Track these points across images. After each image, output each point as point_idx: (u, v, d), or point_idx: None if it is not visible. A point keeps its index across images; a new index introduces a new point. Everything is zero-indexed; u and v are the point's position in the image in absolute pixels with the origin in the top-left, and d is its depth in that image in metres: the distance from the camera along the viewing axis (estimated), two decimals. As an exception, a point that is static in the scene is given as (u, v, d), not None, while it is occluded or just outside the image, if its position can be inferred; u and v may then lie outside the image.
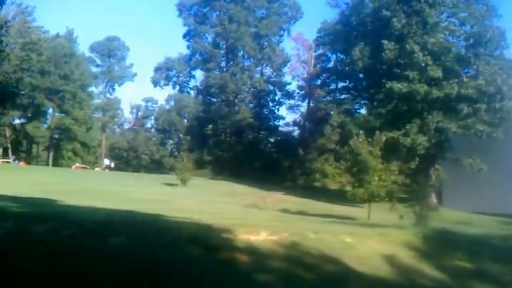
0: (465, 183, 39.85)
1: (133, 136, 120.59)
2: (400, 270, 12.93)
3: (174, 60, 75.74)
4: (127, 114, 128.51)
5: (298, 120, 72.22)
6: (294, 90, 71.99)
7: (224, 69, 69.37)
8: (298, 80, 71.37)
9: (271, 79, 71.76)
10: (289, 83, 72.80)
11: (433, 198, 40.92)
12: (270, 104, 71.76)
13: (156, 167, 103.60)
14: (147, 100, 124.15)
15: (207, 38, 71.29)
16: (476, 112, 36.92)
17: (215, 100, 71.08)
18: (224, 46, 69.09)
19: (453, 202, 40.26)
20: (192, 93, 75.64)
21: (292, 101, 72.00)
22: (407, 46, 36.31)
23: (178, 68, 74.01)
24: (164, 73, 75.97)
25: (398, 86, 36.34)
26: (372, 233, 15.48)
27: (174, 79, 74.77)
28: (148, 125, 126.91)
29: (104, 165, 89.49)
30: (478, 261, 14.21)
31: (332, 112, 57.41)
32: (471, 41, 38.15)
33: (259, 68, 73.83)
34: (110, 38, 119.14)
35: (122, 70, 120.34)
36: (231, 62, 69.37)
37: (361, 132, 27.33)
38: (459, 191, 40.55)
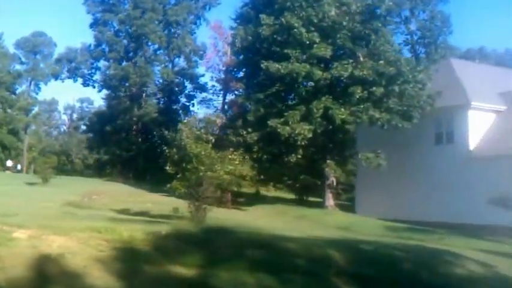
0: (382, 187, 36.94)
1: (66, 139, 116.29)
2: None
3: (76, 50, 71.60)
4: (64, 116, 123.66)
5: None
6: (206, 83, 68.37)
7: (132, 61, 65.29)
8: (212, 72, 67.63)
9: (184, 71, 67.77)
10: (202, 75, 69.02)
11: (330, 200, 37.81)
12: (184, 99, 67.89)
13: (94, 171, 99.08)
14: (82, 100, 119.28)
15: (115, 27, 67.41)
16: (371, 97, 33.55)
17: (121, 94, 67.05)
18: (132, 35, 65.05)
19: (367, 207, 37.70)
20: (97, 86, 71.07)
21: (205, 95, 68.03)
22: (283, 20, 32.85)
23: (81, 58, 69.86)
24: (66, 65, 71.75)
25: (276, 66, 32.81)
26: (98, 228, 13.05)
27: (77, 71, 70.29)
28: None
29: (7, 167, 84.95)
30: (215, 268, 11.66)
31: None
32: (367, 16, 34.75)
33: (176, 60, 70.09)
34: (36, 34, 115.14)
35: (48, 67, 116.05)
36: (140, 53, 65.37)
37: (189, 117, 23.87)
38: (375, 195, 37.73)
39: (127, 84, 63.97)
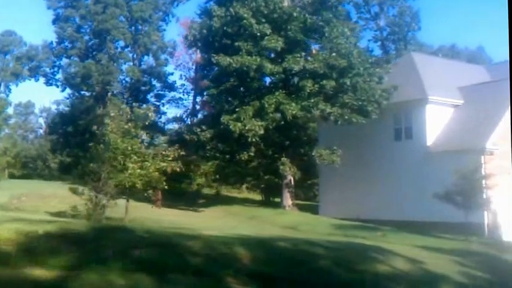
0: (345, 186, 36.30)
1: (42, 143, 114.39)
2: None
3: (37, 48, 70.14)
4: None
5: (183, 116, 66.63)
6: (175, 81, 67.07)
7: (95, 58, 63.67)
8: (182, 70, 66.44)
9: (152, 69, 66.29)
10: (171, 73, 67.61)
11: (288, 200, 36.95)
12: (153, 98, 66.34)
13: (75, 176, 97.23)
14: (58, 102, 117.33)
15: (77, 23, 65.60)
16: (322, 90, 32.73)
17: (84, 93, 65.54)
18: (94, 31, 63.50)
19: (330, 207, 37.14)
20: (60, 86, 69.29)
21: (174, 94, 66.64)
22: (232, 10, 32.01)
23: (42, 56, 68.38)
24: (27, 64, 70.23)
25: (227, 60, 31.92)
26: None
27: (38, 70, 68.80)
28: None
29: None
30: (84, 269, 10.77)
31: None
32: (317, 6, 33.95)
33: (145, 58, 68.55)
34: (6, 33, 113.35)
35: (18, 68, 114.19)
36: (104, 50, 63.87)
37: (123, 107, 23.14)
38: (337, 194, 37.08)
39: (89, 82, 62.21)
